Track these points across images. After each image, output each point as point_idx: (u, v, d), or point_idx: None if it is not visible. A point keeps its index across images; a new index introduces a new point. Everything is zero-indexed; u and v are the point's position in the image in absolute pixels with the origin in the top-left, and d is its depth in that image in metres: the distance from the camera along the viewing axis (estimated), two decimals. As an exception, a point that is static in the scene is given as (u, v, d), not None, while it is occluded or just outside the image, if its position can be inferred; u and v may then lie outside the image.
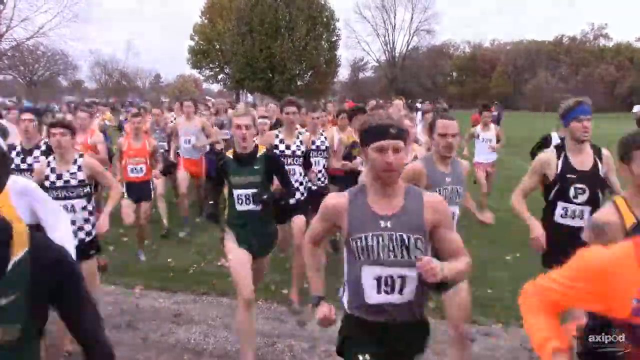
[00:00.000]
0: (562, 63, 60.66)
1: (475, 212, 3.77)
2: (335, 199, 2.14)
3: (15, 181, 2.61)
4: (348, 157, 5.21)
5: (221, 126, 7.95)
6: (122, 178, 5.90)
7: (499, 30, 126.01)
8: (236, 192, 3.49)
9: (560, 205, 3.21)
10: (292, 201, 4.22)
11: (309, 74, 34.20)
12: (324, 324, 2.16)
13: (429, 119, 4.99)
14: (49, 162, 3.54)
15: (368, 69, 72.74)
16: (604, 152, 3.24)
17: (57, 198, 3.37)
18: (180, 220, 7.40)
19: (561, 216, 3.23)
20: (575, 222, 3.16)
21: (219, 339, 3.90)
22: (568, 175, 3.15)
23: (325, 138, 5.37)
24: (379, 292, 2.02)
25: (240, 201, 3.49)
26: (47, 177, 3.49)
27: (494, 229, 7.02)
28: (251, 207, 3.50)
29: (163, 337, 3.94)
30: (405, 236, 2.00)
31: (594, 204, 3.09)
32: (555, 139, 5.89)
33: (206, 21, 52.68)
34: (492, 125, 8.26)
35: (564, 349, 1.63)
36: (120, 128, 10.84)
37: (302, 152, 4.64)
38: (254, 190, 3.47)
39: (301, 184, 4.65)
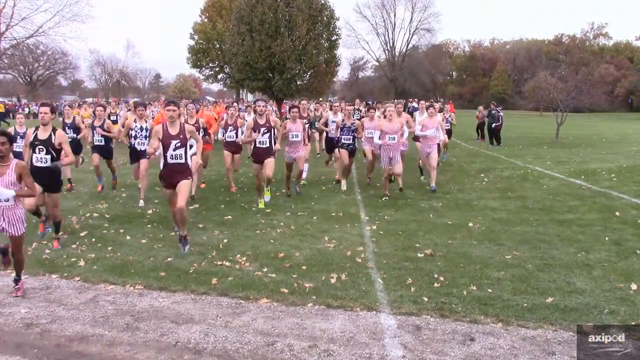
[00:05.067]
0: (562, 62, 60.65)
1: None
2: None
3: None
4: None
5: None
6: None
7: (498, 30, 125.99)
8: None
9: None
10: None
11: (309, 73, 34.14)
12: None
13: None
14: None
15: (368, 68, 72.78)
16: None
17: None
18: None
19: None
20: None
21: (218, 338, 3.90)
22: None
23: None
24: None
25: None
26: None
27: (494, 229, 7.04)
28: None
29: (163, 336, 3.94)
30: None
31: None
32: None
33: (206, 20, 52.65)
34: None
35: None
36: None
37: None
38: None
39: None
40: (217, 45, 49.89)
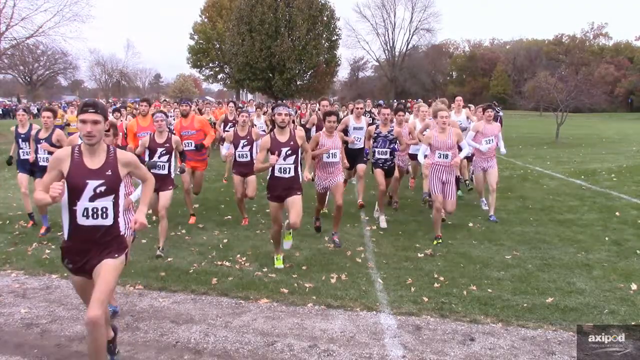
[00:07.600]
0: (562, 62, 60.68)
1: None
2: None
3: None
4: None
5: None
6: None
7: (498, 30, 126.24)
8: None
9: None
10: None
11: (309, 73, 34.22)
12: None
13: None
14: None
15: (368, 68, 72.77)
16: None
17: None
18: (179, 219, 7.40)
19: None
20: None
21: (218, 338, 3.90)
22: None
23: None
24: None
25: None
26: None
27: (494, 229, 7.03)
28: None
29: (163, 337, 3.94)
30: None
31: None
32: None
33: (206, 20, 52.69)
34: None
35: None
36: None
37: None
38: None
39: None
40: (217, 45, 49.95)
